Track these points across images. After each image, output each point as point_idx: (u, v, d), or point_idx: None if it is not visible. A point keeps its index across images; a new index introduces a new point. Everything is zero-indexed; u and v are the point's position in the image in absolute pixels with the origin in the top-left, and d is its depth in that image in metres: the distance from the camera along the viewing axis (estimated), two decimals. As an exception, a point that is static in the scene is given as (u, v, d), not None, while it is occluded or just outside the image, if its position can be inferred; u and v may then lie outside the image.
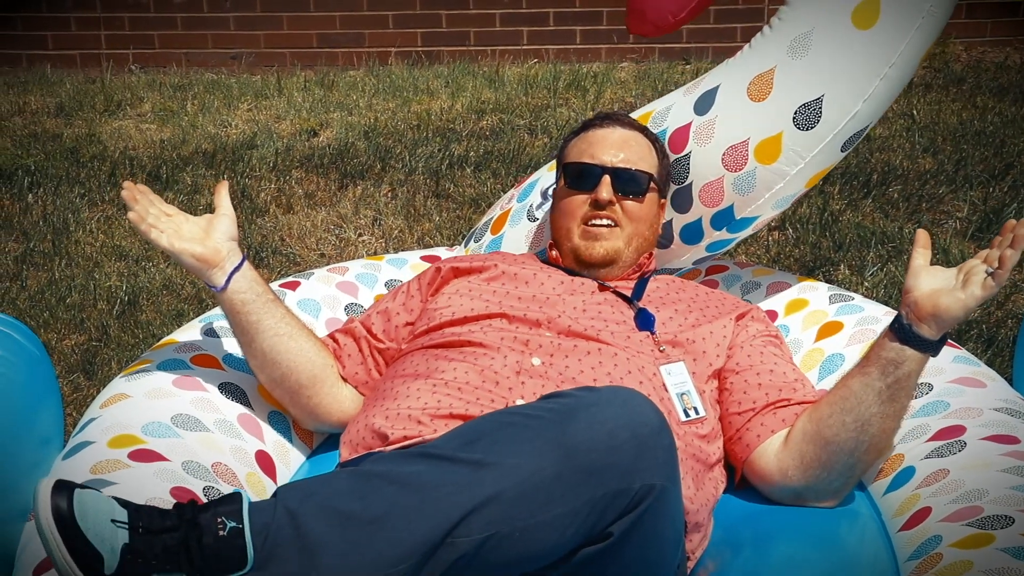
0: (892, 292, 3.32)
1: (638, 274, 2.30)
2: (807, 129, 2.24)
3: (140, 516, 1.46)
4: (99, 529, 1.42)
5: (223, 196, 2.12)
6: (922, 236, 1.96)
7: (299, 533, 1.47)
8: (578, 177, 2.29)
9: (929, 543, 1.74)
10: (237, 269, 2.06)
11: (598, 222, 2.25)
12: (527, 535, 1.51)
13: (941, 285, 1.87)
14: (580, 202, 2.27)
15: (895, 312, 2.43)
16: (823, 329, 2.44)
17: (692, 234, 2.45)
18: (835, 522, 2.00)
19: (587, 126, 2.39)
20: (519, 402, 1.90)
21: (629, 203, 2.27)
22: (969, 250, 3.61)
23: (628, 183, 2.27)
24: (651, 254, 2.35)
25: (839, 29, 2.19)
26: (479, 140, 4.86)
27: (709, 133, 2.34)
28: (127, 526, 1.44)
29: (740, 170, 2.31)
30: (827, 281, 3.41)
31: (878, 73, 2.20)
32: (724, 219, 2.40)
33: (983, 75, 5.44)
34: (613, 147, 2.30)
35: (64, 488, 1.43)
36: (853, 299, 2.51)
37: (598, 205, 2.25)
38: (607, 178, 2.25)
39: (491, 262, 2.29)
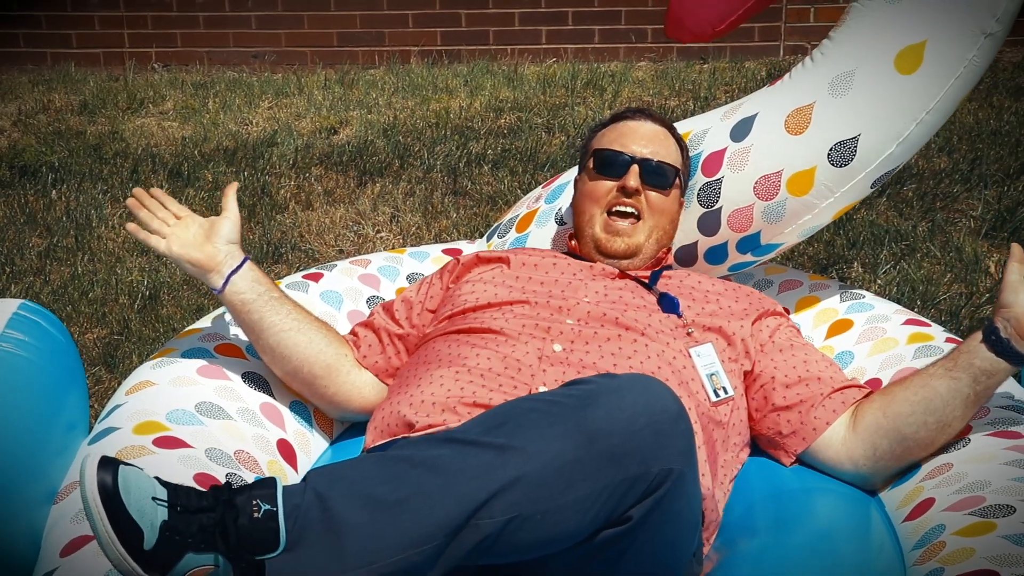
0: (904, 290, 3.34)
1: (656, 267, 2.33)
2: (841, 166, 2.27)
3: (179, 495, 1.50)
4: (141, 505, 1.45)
5: (230, 198, 2.18)
6: (1017, 251, 1.99)
7: (327, 515, 1.50)
8: (607, 164, 2.32)
9: (933, 532, 1.78)
10: (236, 271, 2.12)
11: (623, 209, 2.28)
12: (548, 518, 1.54)
13: None
14: (606, 189, 2.30)
15: (905, 311, 2.49)
16: (833, 327, 2.47)
17: (716, 256, 2.47)
18: (843, 511, 2.04)
19: (618, 117, 2.43)
20: (541, 388, 1.94)
21: (654, 195, 2.30)
22: (983, 249, 3.63)
23: (655, 175, 2.30)
24: (669, 249, 2.39)
25: (881, 72, 2.21)
26: (497, 138, 4.90)
27: (743, 161, 2.36)
28: (167, 504, 1.48)
29: (771, 200, 2.34)
30: (840, 279, 3.44)
31: (915, 118, 2.22)
32: (750, 244, 2.42)
33: (1000, 75, 5.44)
34: (643, 139, 2.34)
35: (109, 464, 1.47)
36: (864, 297, 2.54)
37: (626, 192, 2.28)
38: (636, 167, 2.28)
39: (511, 253, 2.34)
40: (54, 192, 4.40)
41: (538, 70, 5.97)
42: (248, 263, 2.15)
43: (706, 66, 6.00)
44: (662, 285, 2.25)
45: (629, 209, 2.29)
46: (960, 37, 2.18)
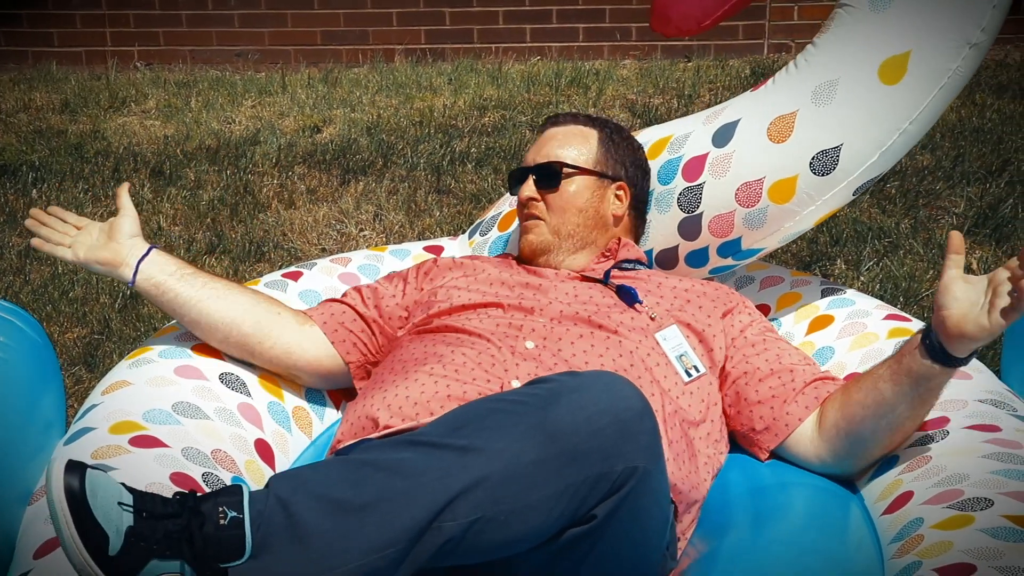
0: (887, 286, 3.35)
1: (609, 261, 2.33)
2: (823, 175, 2.26)
3: (145, 501, 1.49)
4: (107, 510, 1.45)
5: (124, 197, 2.24)
6: (955, 241, 1.85)
7: (291, 521, 1.50)
8: (512, 183, 2.43)
9: (911, 525, 1.78)
10: (142, 260, 2.18)
11: (527, 221, 2.37)
12: (512, 518, 1.54)
13: (968, 309, 1.81)
14: (519, 204, 2.41)
15: (886, 306, 2.49)
16: (814, 322, 2.46)
17: (697, 259, 2.47)
18: (821, 506, 2.04)
19: (539, 132, 2.51)
20: (514, 383, 1.94)
21: (549, 195, 2.35)
22: (965, 246, 3.63)
23: (543, 177, 2.36)
24: (619, 240, 2.38)
25: (865, 82, 2.21)
26: (481, 136, 4.89)
27: (725, 167, 2.35)
28: (132, 509, 1.47)
29: (752, 206, 2.33)
30: (823, 276, 3.44)
31: (898, 128, 2.22)
32: (731, 249, 2.42)
33: (983, 72, 5.45)
34: (543, 145, 2.41)
35: (76, 468, 1.46)
36: (845, 293, 2.54)
37: (521, 204, 2.38)
38: (531, 177, 2.37)
39: (481, 259, 2.39)
40: (35, 191, 4.38)
41: (522, 68, 5.96)
42: (155, 250, 2.20)
43: (690, 64, 6.00)
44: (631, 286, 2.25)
45: (533, 219, 2.36)
46: (944, 47, 2.16)
